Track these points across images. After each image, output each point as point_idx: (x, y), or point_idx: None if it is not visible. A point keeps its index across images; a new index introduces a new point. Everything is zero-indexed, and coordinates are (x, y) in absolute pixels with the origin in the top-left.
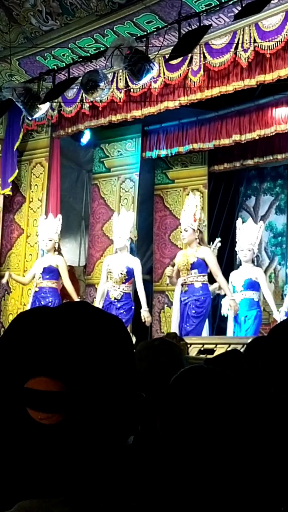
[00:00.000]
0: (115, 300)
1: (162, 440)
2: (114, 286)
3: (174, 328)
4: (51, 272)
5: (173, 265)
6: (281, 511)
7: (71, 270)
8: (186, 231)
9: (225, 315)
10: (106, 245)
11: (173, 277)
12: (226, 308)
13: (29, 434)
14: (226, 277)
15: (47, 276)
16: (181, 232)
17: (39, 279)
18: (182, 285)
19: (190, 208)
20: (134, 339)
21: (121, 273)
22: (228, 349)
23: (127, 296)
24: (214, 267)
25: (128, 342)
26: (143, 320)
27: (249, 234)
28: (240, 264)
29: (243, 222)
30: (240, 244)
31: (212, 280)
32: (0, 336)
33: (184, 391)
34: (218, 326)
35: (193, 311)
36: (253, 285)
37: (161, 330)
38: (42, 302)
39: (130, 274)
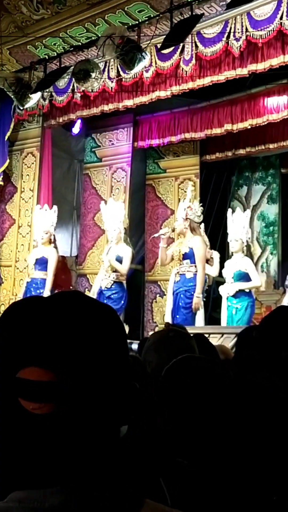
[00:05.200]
0: (105, 289)
1: (160, 429)
2: (105, 275)
3: (168, 318)
4: (44, 263)
5: (173, 230)
6: (273, 499)
7: (63, 260)
8: (177, 221)
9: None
10: (98, 235)
11: (165, 247)
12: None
13: (21, 424)
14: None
15: (39, 267)
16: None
17: (31, 270)
18: (175, 274)
19: (184, 198)
20: (127, 328)
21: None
22: (221, 338)
23: (118, 285)
24: (198, 258)
25: (121, 331)
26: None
27: (236, 224)
28: (232, 255)
29: (233, 212)
30: (229, 235)
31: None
32: None
33: (176, 380)
34: (211, 316)
35: (183, 302)
36: (243, 276)
37: (153, 319)
38: (33, 293)
39: (120, 262)
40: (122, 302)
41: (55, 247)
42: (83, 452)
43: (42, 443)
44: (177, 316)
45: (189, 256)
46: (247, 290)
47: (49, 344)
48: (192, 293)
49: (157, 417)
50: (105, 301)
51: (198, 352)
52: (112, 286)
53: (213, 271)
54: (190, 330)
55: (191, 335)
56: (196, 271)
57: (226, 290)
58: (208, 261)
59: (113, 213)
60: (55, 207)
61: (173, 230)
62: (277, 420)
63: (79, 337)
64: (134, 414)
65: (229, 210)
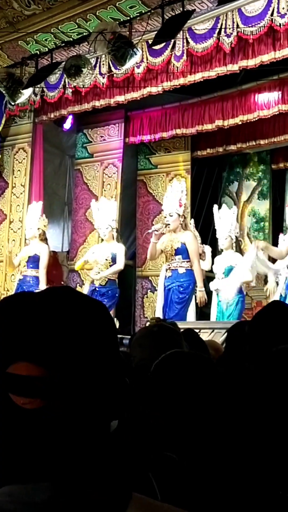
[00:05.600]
0: (100, 286)
1: (150, 424)
2: (98, 273)
3: (159, 313)
4: (36, 261)
5: (166, 226)
6: (279, 494)
7: (54, 255)
8: (171, 216)
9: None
10: (89, 231)
11: (156, 242)
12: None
13: (12, 419)
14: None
15: (31, 265)
16: (165, 217)
17: (24, 267)
18: (166, 270)
19: (175, 193)
20: (117, 324)
21: (106, 259)
22: (212, 334)
23: (112, 282)
24: (193, 253)
25: (112, 327)
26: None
27: (224, 221)
28: (222, 251)
29: (220, 208)
30: (218, 232)
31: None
32: None
33: (165, 375)
34: (201, 312)
35: (176, 297)
36: None
37: (145, 315)
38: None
39: (115, 260)
40: (115, 299)
41: (47, 243)
42: (73, 447)
43: (33, 437)
44: (169, 312)
45: (181, 251)
46: (238, 286)
47: (39, 339)
48: (185, 287)
49: (146, 413)
50: (98, 298)
51: (189, 347)
52: (106, 284)
53: (206, 265)
54: (181, 325)
55: (181, 330)
56: (188, 267)
57: (217, 286)
58: (200, 255)
59: (105, 211)
60: (40, 202)
61: (166, 226)
62: (267, 415)
63: (69, 332)
64: (124, 409)
65: (215, 207)
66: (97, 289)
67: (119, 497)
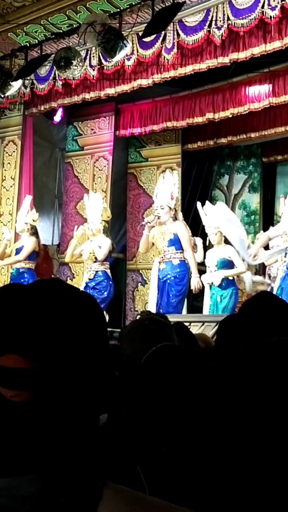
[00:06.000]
0: (89, 280)
1: (135, 418)
2: (87, 267)
3: (152, 306)
4: None
5: (158, 218)
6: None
7: (44, 249)
8: (163, 208)
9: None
10: (80, 224)
11: (148, 234)
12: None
13: (1, 411)
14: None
15: None
16: (156, 209)
17: None
18: (159, 262)
19: (167, 186)
20: (107, 317)
21: (90, 252)
22: (202, 327)
23: (102, 274)
24: (185, 241)
25: (101, 320)
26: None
27: (209, 217)
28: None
29: (216, 201)
30: (206, 229)
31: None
32: None
33: (155, 368)
34: (192, 305)
35: (173, 289)
36: (226, 264)
37: (135, 308)
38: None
39: None
40: (108, 290)
41: (37, 237)
42: (61, 440)
43: (21, 430)
44: (167, 305)
45: (174, 242)
46: (231, 278)
47: (28, 332)
48: (181, 279)
49: (144, 411)
50: (90, 292)
51: (179, 341)
52: (96, 277)
53: (198, 257)
54: (171, 318)
55: (171, 323)
56: (182, 258)
57: (210, 279)
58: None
59: (96, 205)
60: (30, 196)
61: (158, 218)
62: (259, 408)
63: (58, 325)
64: (113, 402)
65: (198, 204)
66: (87, 283)
67: (94, 487)
